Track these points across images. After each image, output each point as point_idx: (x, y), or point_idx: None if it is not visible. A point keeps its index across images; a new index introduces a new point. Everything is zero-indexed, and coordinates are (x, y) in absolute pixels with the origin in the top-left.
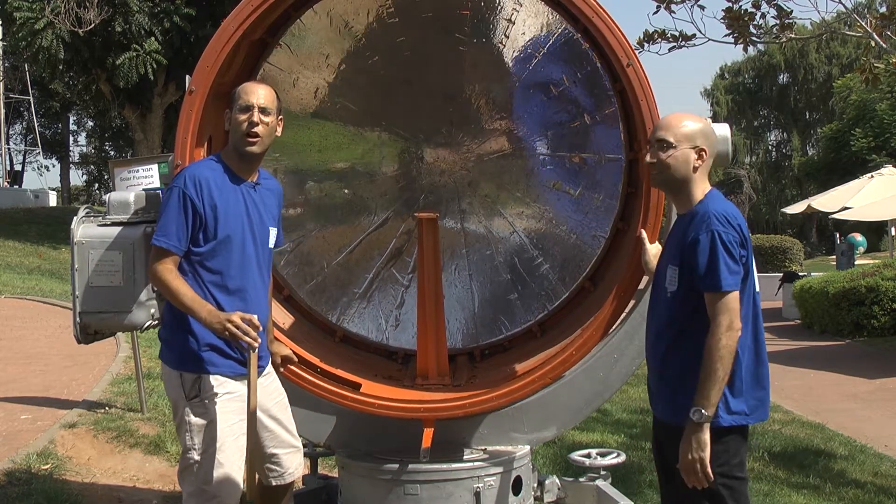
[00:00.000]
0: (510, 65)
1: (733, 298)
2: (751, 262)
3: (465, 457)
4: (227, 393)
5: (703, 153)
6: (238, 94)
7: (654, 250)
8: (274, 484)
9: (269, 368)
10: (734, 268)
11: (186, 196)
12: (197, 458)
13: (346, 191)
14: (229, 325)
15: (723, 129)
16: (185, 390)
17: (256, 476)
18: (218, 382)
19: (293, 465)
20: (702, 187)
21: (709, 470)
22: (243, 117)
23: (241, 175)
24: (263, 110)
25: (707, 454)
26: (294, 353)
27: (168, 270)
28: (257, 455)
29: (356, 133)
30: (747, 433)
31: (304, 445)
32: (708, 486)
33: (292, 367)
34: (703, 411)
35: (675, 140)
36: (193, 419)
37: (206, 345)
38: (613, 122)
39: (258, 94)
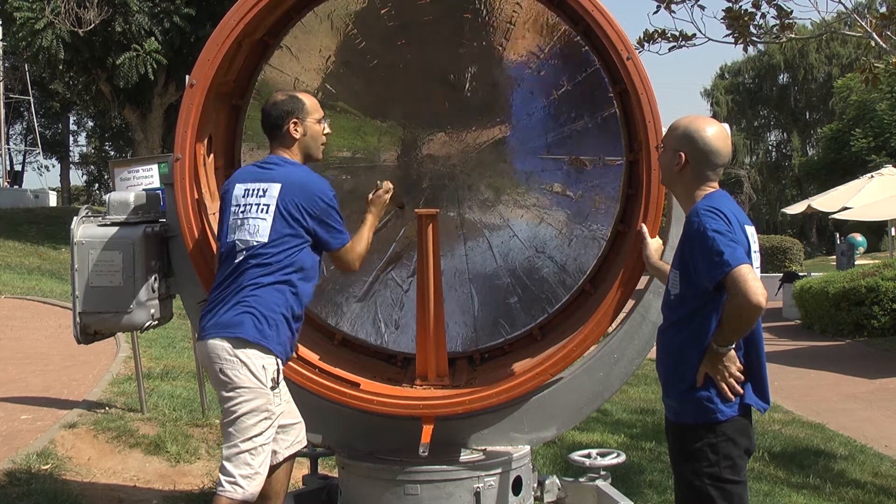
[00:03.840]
0: (511, 67)
1: (746, 269)
2: (754, 260)
3: (465, 457)
4: (284, 380)
5: (680, 157)
6: (314, 106)
7: (655, 244)
8: (286, 454)
9: None
10: (730, 243)
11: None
12: (262, 443)
13: (347, 191)
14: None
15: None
16: (267, 380)
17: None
18: (282, 376)
19: (300, 435)
20: (701, 190)
21: (737, 374)
22: (321, 127)
23: None
24: None
25: (728, 367)
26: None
27: (352, 246)
28: None
29: (356, 136)
30: (745, 434)
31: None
32: (698, 485)
33: (291, 364)
34: (720, 346)
35: (664, 142)
36: (274, 408)
37: (285, 336)
38: (614, 124)
39: None
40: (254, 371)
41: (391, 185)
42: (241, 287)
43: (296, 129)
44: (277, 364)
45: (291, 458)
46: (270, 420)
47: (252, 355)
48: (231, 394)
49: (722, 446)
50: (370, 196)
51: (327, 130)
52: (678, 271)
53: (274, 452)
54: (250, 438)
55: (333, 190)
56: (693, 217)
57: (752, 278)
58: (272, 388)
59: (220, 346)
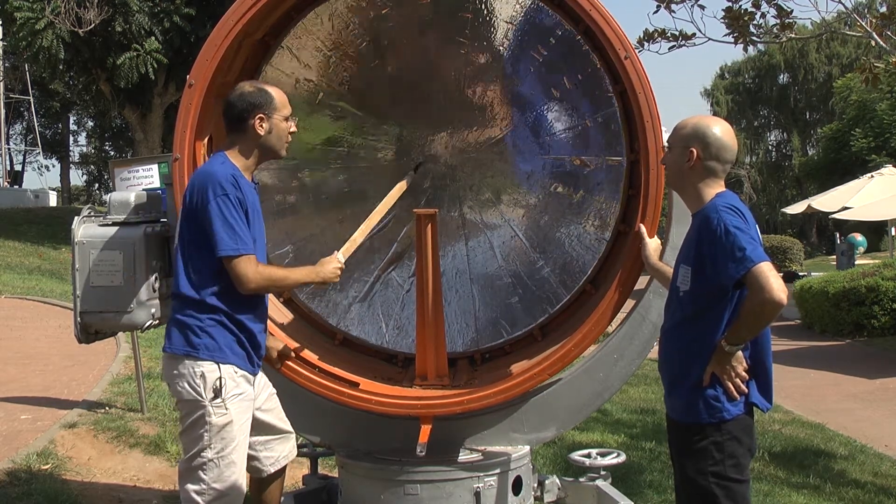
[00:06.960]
0: (512, 67)
1: (768, 265)
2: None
3: (465, 457)
4: (242, 394)
5: (692, 153)
6: (283, 102)
7: (653, 244)
8: (272, 471)
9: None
10: (753, 241)
11: (241, 201)
12: (211, 457)
13: (347, 191)
14: (338, 270)
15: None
16: (205, 391)
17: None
18: (235, 384)
19: (287, 449)
20: (710, 188)
21: (743, 374)
22: (288, 125)
23: (248, 176)
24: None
25: (735, 367)
26: (291, 350)
27: (264, 268)
28: (252, 447)
29: (358, 136)
30: (749, 433)
31: (304, 445)
32: (702, 484)
33: (290, 364)
34: (731, 346)
35: (670, 142)
36: (215, 420)
37: (228, 340)
38: (615, 124)
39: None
40: (191, 382)
41: (343, 265)
42: (173, 297)
43: (261, 125)
44: (220, 370)
45: (282, 471)
46: (210, 433)
47: (186, 366)
48: (179, 408)
49: (727, 445)
50: (323, 259)
51: (293, 129)
52: (690, 268)
53: (258, 469)
54: (198, 453)
55: (237, 187)
56: (711, 213)
57: (775, 275)
58: (213, 398)
59: (164, 361)
